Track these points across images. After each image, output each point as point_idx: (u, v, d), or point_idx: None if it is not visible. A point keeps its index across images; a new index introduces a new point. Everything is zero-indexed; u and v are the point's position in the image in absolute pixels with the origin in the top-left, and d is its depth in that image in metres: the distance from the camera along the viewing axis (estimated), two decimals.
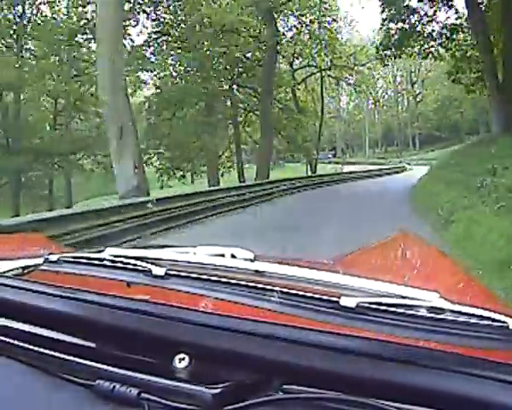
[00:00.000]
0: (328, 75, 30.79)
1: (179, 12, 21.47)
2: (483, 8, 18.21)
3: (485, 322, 0.71)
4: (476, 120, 71.31)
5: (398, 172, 37.91)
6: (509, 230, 5.99)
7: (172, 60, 22.54)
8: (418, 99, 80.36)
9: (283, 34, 25.24)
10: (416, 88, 78.92)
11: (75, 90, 22.17)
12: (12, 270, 0.94)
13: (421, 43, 21.01)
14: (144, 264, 0.88)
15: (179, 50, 21.78)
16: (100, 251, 1.00)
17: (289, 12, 25.13)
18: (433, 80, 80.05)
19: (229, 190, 14.13)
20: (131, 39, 21.05)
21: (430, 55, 21.86)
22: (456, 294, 0.86)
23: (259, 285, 0.79)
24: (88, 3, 19.36)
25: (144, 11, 21.49)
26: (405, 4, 19.75)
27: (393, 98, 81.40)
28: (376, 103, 77.99)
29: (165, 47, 22.41)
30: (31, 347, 0.70)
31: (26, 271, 0.95)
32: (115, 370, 0.65)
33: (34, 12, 23.37)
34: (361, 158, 71.73)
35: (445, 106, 72.15)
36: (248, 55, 22.72)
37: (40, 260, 0.97)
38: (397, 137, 78.24)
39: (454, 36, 20.67)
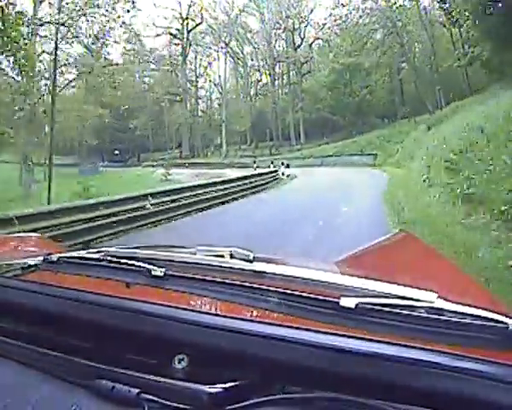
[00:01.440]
0: None
1: None
2: None
3: (485, 322, 0.76)
4: (392, 100, 55.56)
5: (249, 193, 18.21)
6: None
7: None
8: (304, 70, 62.34)
9: None
10: (300, 53, 62.15)
11: None
12: (12, 270, 1.01)
13: None
14: (143, 264, 0.96)
15: None
16: (99, 252, 1.07)
17: None
18: (323, 44, 63.15)
19: None
20: None
21: None
22: (456, 294, 0.97)
23: (258, 286, 0.87)
24: None
25: None
26: None
27: (269, 71, 64.55)
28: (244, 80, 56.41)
29: None
30: (31, 347, 0.77)
31: (25, 271, 1.02)
32: (115, 370, 0.71)
33: None
34: (216, 158, 59.59)
35: (344, 79, 54.06)
36: None
37: (40, 261, 1.05)
38: (274, 126, 62.09)
39: None
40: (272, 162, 33.47)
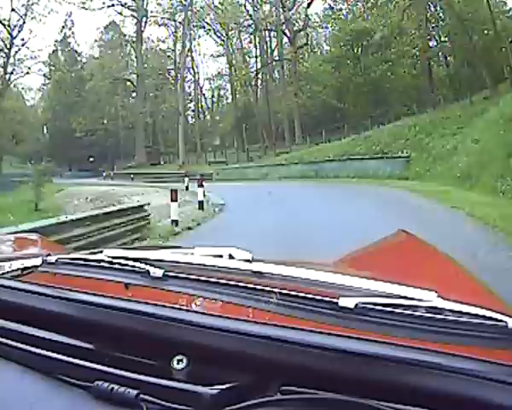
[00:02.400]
0: None
1: None
2: None
3: (484, 321, 0.80)
4: (418, 80, 38.26)
5: None
6: None
7: None
8: (299, 43, 45.22)
9: None
10: (292, 16, 45.25)
11: None
12: (11, 271, 1.09)
13: None
14: (142, 265, 1.03)
15: None
16: (98, 252, 1.15)
17: None
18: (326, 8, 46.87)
19: None
20: None
21: None
22: (456, 293, 1.01)
23: (257, 286, 0.94)
24: None
25: None
26: None
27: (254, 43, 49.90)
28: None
29: None
30: (29, 348, 0.83)
31: (24, 272, 1.10)
32: (113, 371, 0.76)
33: None
34: (171, 167, 44.53)
35: (353, 53, 37.90)
36: None
37: (39, 262, 1.13)
38: (263, 122, 46.72)
39: None
40: (187, 176, 22.67)
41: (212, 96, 60.44)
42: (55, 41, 58.20)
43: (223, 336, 0.75)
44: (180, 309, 0.84)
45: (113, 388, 0.70)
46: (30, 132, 60.66)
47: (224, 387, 0.69)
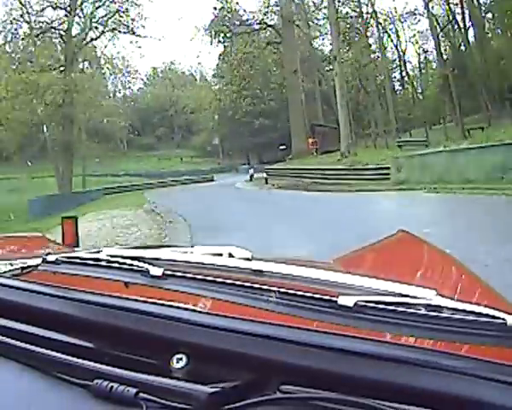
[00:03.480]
0: None
1: None
2: None
3: (483, 319, 0.82)
4: None
5: None
6: None
7: None
8: None
9: None
10: None
11: None
12: (11, 270, 1.11)
13: None
14: (142, 264, 1.06)
15: None
16: (97, 251, 1.17)
17: None
18: None
19: None
20: None
21: None
22: (456, 291, 1.03)
23: (257, 285, 0.97)
24: None
25: None
26: None
27: None
28: None
29: None
30: (28, 347, 0.85)
31: (24, 271, 1.12)
32: (113, 369, 0.76)
33: None
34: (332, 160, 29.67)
35: None
36: None
37: (39, 261, 1.15)
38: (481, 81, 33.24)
39: None
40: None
41: (419, 62, 50.00)
42: (214, 8, 47.10)
43: (222, 335, 0.76)
44: (179, 308, 0.85)
45: (112, 386, 0.70)
46: (205, 122, 55.93)
47: (223, 385, 0.70)
